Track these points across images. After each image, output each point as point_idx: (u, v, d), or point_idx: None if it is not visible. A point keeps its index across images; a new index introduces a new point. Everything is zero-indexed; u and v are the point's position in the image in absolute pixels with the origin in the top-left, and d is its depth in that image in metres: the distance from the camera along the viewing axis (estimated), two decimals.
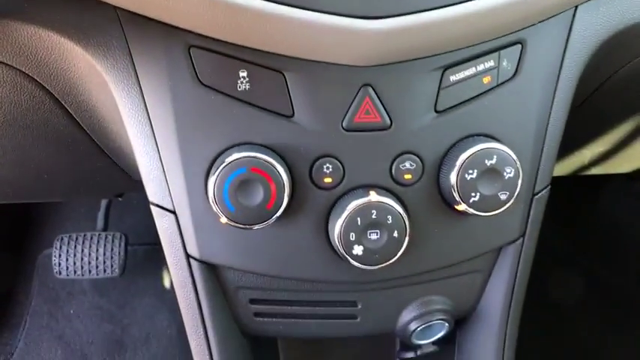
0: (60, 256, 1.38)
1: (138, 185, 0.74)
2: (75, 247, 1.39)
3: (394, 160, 0.54)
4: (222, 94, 0.52)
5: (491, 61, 0.54)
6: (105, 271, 1.37)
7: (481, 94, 0.54)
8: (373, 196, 0.53)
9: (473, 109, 0.54)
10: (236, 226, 0.51)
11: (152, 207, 0.57)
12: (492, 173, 0.53)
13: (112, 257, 1.37)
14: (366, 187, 0.54)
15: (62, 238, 1.40)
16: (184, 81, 0.52)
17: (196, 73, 0.51)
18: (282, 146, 0.52)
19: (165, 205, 0.56)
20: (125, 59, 0.52)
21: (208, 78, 0.51)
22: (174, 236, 0.57)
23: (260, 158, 0.50)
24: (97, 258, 1.37)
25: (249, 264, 0.56)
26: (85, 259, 1.37)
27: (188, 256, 0.57)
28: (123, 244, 1.39)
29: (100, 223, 1.46)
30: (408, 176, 0.54)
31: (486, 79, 0.54)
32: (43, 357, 1.43)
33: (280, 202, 0.51)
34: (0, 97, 0.61)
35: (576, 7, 0.55)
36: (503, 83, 0.55)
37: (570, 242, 1.56)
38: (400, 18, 0.48)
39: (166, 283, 1.55)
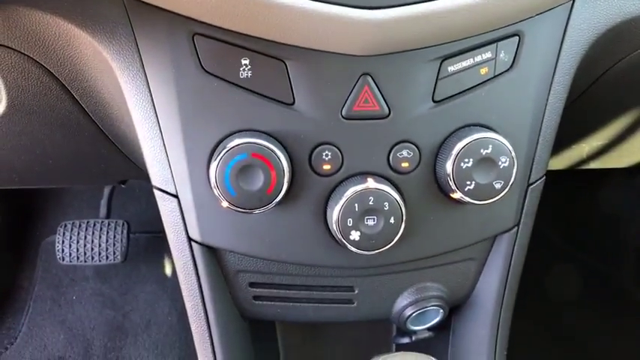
0: (63, 242, 1.40)
1: (141, 172, 0.75)
2: (78, 233, 1.40)
3: (392, 148, 0.55)
4: (225, 81, 0.53)
5: (489, 52, 0.55)
6: (107, 257, 1.39)
7: (478, 84, 0.55)
8: (371, 183, 0.54)
9: (470, 100, 0.55)
10: (237, 211, 0.53)
11: (155, 191, 0.59)
12: (487, 162, 0.54)
13: (114, 244, 1.39)
14: (364, 175, 0.55)
15: (65, 225, 1.41)
16: (188, 68, 0.53)
17: (200, 61, 0.53)
18: (283, 133, 0.54)
19: (168, 190, 0.57)
20: (130, 46, 0.54)
21: (211, 65, 0.53)
22: (177, 220, 0.58)
23: (261, 144, 0.51)
24: (99, 245, 1.39)
25: (249, 248, 0.58)
26: (88, 245, 1.39)
27: (190, 239, 0.59)
28: (125, 232, 1.41)
29: (102, 210, 1.48)
30: (405, 164, 0.55)
31: (484, 70, 0.55)
32: (45, 342, 1.45)
33: (280, 188, 0.52)
34: (8, 83, 0.62)
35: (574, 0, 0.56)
36: (500, 74, 0.56)
37: (568, 236, 1.57)
38: (399, 8, 0.49)
39: (167, 271, 1.57)
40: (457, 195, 0.55)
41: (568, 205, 1.54)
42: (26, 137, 0.75)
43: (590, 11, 0.57)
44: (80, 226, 1.41)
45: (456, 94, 0.55)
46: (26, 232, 1.59)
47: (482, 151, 0.54)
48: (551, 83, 0.58)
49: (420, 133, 0.55)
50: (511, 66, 0.56)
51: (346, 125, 0.54)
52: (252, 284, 0.62)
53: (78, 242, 1.39)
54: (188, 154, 0.55)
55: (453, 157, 0.54)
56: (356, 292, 0.63)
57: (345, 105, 0.53)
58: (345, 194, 0.54)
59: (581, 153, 1.04)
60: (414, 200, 0.56)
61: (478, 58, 0.55)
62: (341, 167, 0.55)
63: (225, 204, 0.53)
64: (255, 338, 0.68)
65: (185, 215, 0.57)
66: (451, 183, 0.54)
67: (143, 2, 0.51)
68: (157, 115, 0.55)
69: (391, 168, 0.56)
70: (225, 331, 0.63)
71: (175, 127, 0.55)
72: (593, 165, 1.09)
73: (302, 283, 0.62)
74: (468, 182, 0.54)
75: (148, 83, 0.54)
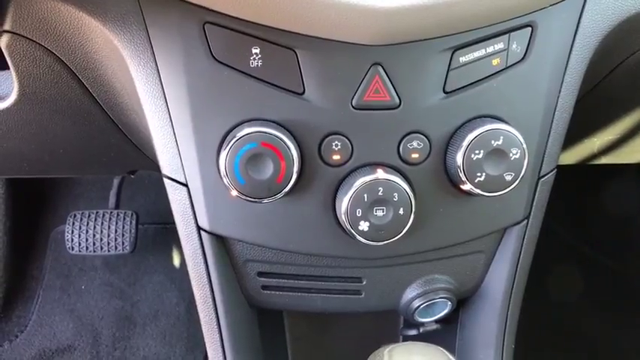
0: (73, 232, 1.41)
1: (150, 162, 0.75)
2: (87, 223, 1.42)
3: (402, 139, 0.55)
4: (235, 70, 0.53)
5: (501, 43, 0.54)
6: (116, 248, 1.40)
7: (490, 75, 0.55)
8: (380, 174, 0.54)
9: (481, 91, 0.55)
10: (246, 200, 0.53)
11: (165, 180, 0.59)
12: (498, 154, 0.54)
13: (123, 234, 1.40)
14: (374, 165, 0.55)
15: (75, 215, 1.43)
16: (199, 56, 0.53)
17: (210, 49, 0.52)
18: (293, 122, 0.54)
19: (177, 178, 0.57)
20: (141, 34, 0.54)
21: (222, 54, 0.53)
22: (186, 209, 0.58)
23: (270, 133, 0.51)
24: (108, 235, 1.40)
25: (257, 237, 0.58)
26: (97, 235, 1.40)
27: (199, 228, 0.59)
28: (134, 222, 1.42)
29: (112, 201, 1.49)
30: (415, 155, 0.55)
31: (495, 61, 0.55)
32: (55, 330, 1.47)
33: (289, 177, 0.52)
34: (19, 71, 0.63)
35: None
36: (512, 65, 0.55)
37: (577, 232, 1.56)
38: None
39: (176, 262, 1.58)
40: (467, 187, 0.54)
41: (578, 200, 1.53)
42: (37, 126, 0.75)
43: (604, 2, 0.56)
44: (90, 216, 1.42)
45: (467, 85, 0.55)
46: (37, 221, 1.61)
47: (493, 142, 0.53)
48: (564, 75, 0.58)
49: (430, 124, 0.55)
50: (523, 57, 0.55)
51: (356, 115, 0.54)
52: (260, 273, 0.62)
53: (87, 232, 1.40)
54: (198, 143, 0.55)
55: (463, 148, 0.54)
56: (364, 282, 0.63)
57: (356, 95, 0.53)
58: (355, 184, 0.54)
59: (592, 148, 1.03)
60: (424, 191, 0.56)
61: (490, 49, 0.54)
62: (350, 157, 0.55)
63: (234, 193, 0.53)
64: (263, 327, 0.68)
65: (194, 204, 0.58)
66: (461, 174, 0.54)
67: None
68: (167, 104, 0.55)
69: (401, 159, 0.55)
70: (233, 320, 0.63)
71: (185, 115, 0.55)
72: (605, 160, 1.08)
73: (310, 274, 0.62)
74: (479, 174, 0.54)
75: (158, 72, 0.55)
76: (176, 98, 0.55)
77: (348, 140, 0.54)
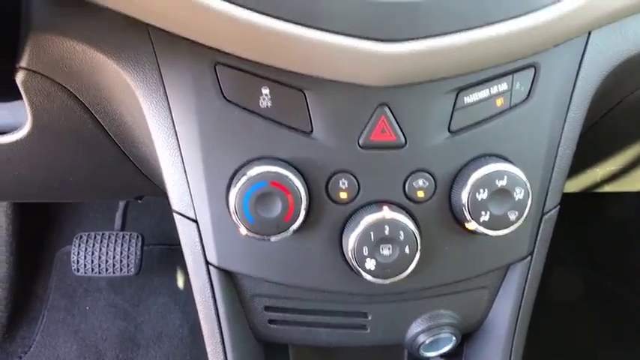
0: (78, 253, 1.42)
1: (158, 190, 0.77)
2: (93, 245, 1.43)
3: (408, 177, 0.56)
4: (245, 109, 0.54)
5: (505, 84, 0.56)
6: (121, 269, 1.41)
7: (494, 115, 0.56)
8: (386, 212, 0.55)
9: (485, 130, 0.56)
10: (255, 237, 0.54)
11: (175, 215, 0.60)
12: (502, 193, 0.54)
13: (128, 256, 1.41)
14: (380, 203, 0.56)
15: (81, 237, 1.44)
16: (210, 96, 0.54)
17: (221, 89, 0.54)
18: (301, 161, 0.55)
19: (187, 214, 0.58)
20: (154, 74, 0.55)
21: (232, 94, 0.54)
22: (195, 244, 0.59)
23: (279, 173, 0.52)
24: (114, 257, 1.41)
25: (265, 273, 0.59)
26: (103, 257, 1.41)
27: (207, 263, 0.60)
28: (139, 244, 1.43)
29: (117, 222, 1.50)
30: (420, 193, 0.56)
31: (499, 102, 0.56)
32: (58, 351, 1.47)
33: (297, 215, 0.53)
34: (33, 105, 0.64)
35: (589, 32, 0.57)
36: (515, 106, 0.56)
37: (581, 257, 1.56)
38: (416, 42, 0.50)
39: (180, 284, 1.58)
40: (472, 225, 0.55)
41: (581, 225, 1.53)
42: (48, 156, 0.77)
43: (605, 43, 0.58)
44: (95, 237, 1.44)
45: (471, 125, 0.56)
46: (42, 241, 1.62)
47: (497, 182, 0.54)
48: (567, 115, 0.59)
49: (436, 163, 0.56)
50: (527, 97, 0.56)
51: (363, 154, 0.55)
52: (267, 308, 0.63)
53: (93, 254, 1.41)
54: (208, 181, 0.56)
55: (468, 187, 0.54)
56: (369, 318, 0.63)
57: (363, 134, 0.54)
58: (361, 223, 0.54)
59: (594, 177, 1.04)
60: (429, 229, 0.57)
61: (494, 90, 0.55)
62: (357, 195, 0.56)
63: (243, 231, 0.54)
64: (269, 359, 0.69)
65: (203, 239, 0.59)
66: (466, 213, 0.55)
67: (167, 32, 0.52)
68: (178, 141, 0.57)
69: (407, 197, 0.56)
70: (240, 354, 0.63)
71: (196, 153, 0.56)
72: (607, 188, 1.09)
73: (316, 308, 0.62)
74: (483, 213, 0.55)
75: (170, 110, 0.56)
76: (187, 136, 0.56)
77: (355, 178, 0.55)
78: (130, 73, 0.56)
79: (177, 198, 0.58)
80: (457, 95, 0.55)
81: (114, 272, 1.41)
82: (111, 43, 0.55)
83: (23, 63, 0.59)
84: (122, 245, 1.42)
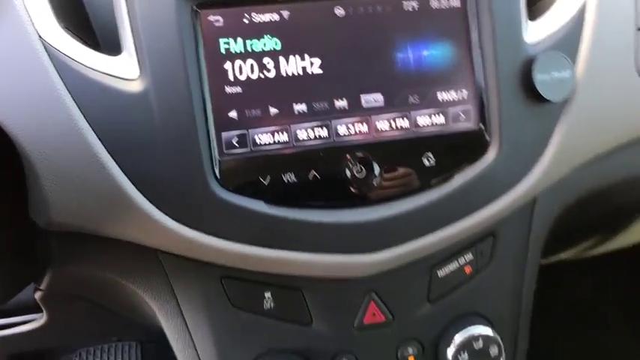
0: None
1: None
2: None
3: (398, 347, 0.64)
4: (252, 312, 0.62)
5: (470, 254, 0.65)
6: None
7: (464, 281, 0.65)
8: None
9: (459, 295, 0.65)
10: None
11: None
12: (480, 352, 0.64)
13: None
14: None
15: (80, 354, 1.46)
16: (219, 305, 0.62)
17: (229, 299, 0.61)
18: (305, 349, 0.63)
19: None
20: (167, 289, 0.62)
21: (239, 301, 0.62)
22: None
23: None
24: None
25: None
26: None
27: None
28: (139, 353, 1.46)
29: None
30: (411, 359, 0.65)
31: (468, 270, 0.65)
32: None
33: None
34: (50, 311, 0.70)
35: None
36: (481, 270, 0.66)
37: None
38: (396, 248, 0.59)
39: None
40: None
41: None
42: (54, 337, 0.82)
43: (550, 198, 0.68)
44: (95, 352, 1.46)
45: (446, 293, 0.65)
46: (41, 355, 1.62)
47: (474, 344, 0.63)
48: (526, 262, 0.69)
49: (421, 331, 0.65)
50: (490, 261, 0.66)
51: (359, 336, 0.63)
52: None
53: None
54: None
55: (451, 351, 0.64)
56: None
57: (356, 319, 0.63)
58: None
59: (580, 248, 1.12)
60: None
61: (462, 261, 0.65)
62: None
63: None
64: None
65: None
66: None
67: (177, 255, 0.60)
68: (193, 342, 0.64)
69: None
70: None
71: (212, 351, 0.63)
72: (596, 252, 1.16)
73: None
74: None
75: (184, 318, 0.63)
76: (202, 340, 0.63)
77: (354, 356, 0.64)
78: (144, 292, 0.63)
79: None
80: (431, 271, 0.64)
81: None
82: (126, 270, 0.62)
83: (42, 286, 0.65)
84: (123, 356, 1.45)
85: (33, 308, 0.78)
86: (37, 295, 0.68)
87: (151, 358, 1.62)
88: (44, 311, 0.75)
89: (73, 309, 0.75)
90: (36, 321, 0.78)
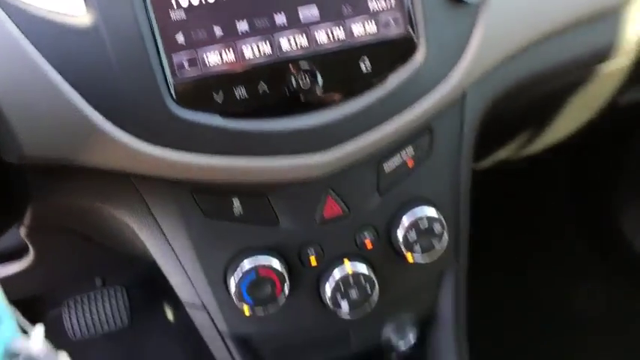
0: (70, 319, 1.51)
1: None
2: (82, 308, 1.52)
3: (356, 234, 0.74)
4: (224, 219, 0.69)
5: (411, 148, 0.74)
6: (115, 324, 1.53)
7: (409, 173, 0.74)
8: (347, 265, 0.73)
9: (404, 185, 0.74)
10: (256, 312, 0.71)
11: (186, 304, 0.75)
12: (427, 231, 0.74)
13: (118, 311, 1.53)
14: (341, 257, 0.74)
15: (69, 303, 1.53)
16: (193, 216, 0.69)
17: (201, 210, 0.69)
18: (275, 245, 0.71)
19: (197, 304, 0.74)
20: (143, 209, 0.69)
21: (211, 211, 0.69)
22: (208, 323, 0.75)
23: (263, 264, 0.69)
24: (105, 313, 1.52)
25: (269, 332, 0.76)
26: (95, 317, 1.52)
27: (221, 333, 0.76)
28: (125, 297, 1.54)
29: (97, 281, 1.60)
30: (369, 244, 0.74)
31: (410, 162, 0.74)
32: None
33: (284, 288, 0.70)
34: (36, 245, 0.76)
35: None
36: (422, 162, 0.75)
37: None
38: (343, 146, 0.66)
39: (170, 317, 1.72)
40: (410, 257, 0.74)
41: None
42: (41, 277, 0.88)
43: (478, 91, 0.76)
44: (82, 300, 1.53)
45: (394, 184, 0.74)
46: (30, 306, 1.68)
47: (420, 224, 0.73)
48: (461, 151, 0.78)
49: (374, 218, 0.74)
50: (429, 153, 0.75)
51: (321, 229, 0.72)
52: (273, 350, 0.81)
53: (85, 317, 1.51)
54: (208, 278, 0.72)
55: (400, 231, 0.73)
56: (351, 334, 0.83)
57: (317, 215, 0.71)
58: (331, 277, 0.73)
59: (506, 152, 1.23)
60: (382, 269, 0.75)
61: (404, 155, 0.73)
62: (324, 257, 0.73)
63: (247, 312, 0.70)
64: None
65: (214, 320, 0.75)
66: (403, 250, 0.74)
67: (148, 177, 0.66)
68: (176, 254, 0.71)
69: (359, 249, 0.74)
70: None
71: (193, 259, 0.71)
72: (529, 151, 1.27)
73: (311, 341, 0.81)
74: (416, 247, 0.74)
75: (163, 232, 0.70)
76: (182, 249, 0.71)
77: (320, 246, 0.73)
78: (123, 213, 0.69)
79: (186, 294, 0.74)
80: (379, 166, 0.72)
81: (109, 328, 1.52)
82: (102, 195, 0.68)
83: (25, 222, 0.71)
84: (110, 301, 1.53)
85: (20, 253, 0.83)
86: (22, 231, 0.73)
87: (137, 302, 1.70)
88: (31, 249, 0.80)
89: (58, 245, 0.81)
90: (24, 260, 0.83)
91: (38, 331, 0.49)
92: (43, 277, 0.88)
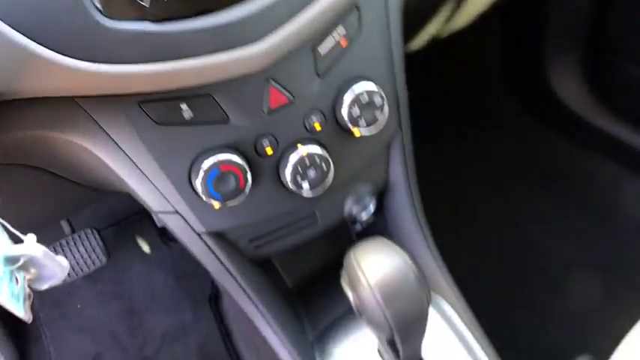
0: None
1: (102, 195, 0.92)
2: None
3: (305, 118, 0.78)
4: (176, 124, 0.72)
5: (342, 27, 0.77)
6: (94, 264, 1.57)
7: (343, 53, 0.78)
8: (302, 149, 0.78)
9: (341, 65, 0.78)
10: (226, 206, 0.76)
11: (159, 214, 0.80)
12: (369, 104, 0.79)
13: (94, 251, 1.56)
14: (295, 143, 0.79)
15: None
16: (145, 126, 0.71)
17: (152, 119, 0.71)
18: (232, 142, 0.75)
19: (168, 211, 0.79)
20: (95, 128, 0.71)
21: (162, 118, 0.72)
22: (184, 226, 0.80)
23: (223, 160, 0.73)
24: (81, 257, 1.56)
25: (242, 222, 0.82)
26: (72, 262, 1.55)
27: (198, 233, 0.82)
28: (98, 237, 1.57)
29: (65, 226, 1.61)
30: (318, 126, 0.79)
31: (343, 42, 0.78)
32: (77, 350, 1.66)
33: (247, 180, 0.75)
34: None
35: None
36: (354, 40, 0.78)
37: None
38: (275, 33, 0.69)
39: (145, 249, 1.77)
40: (357, 132, 0.80)
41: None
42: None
43: None
44: (55, 249, 1.55)
45: (331, 65, 0.78)
46: None
47: (361, 99, 0.78)
48: (389, 27, 0.82)
49: (319, 100, 0.78)
50: (360, 31, 0.78)
51: (270, 118, 0.76)
52: (250, 240, 0.88)
53: None
54: (174, 182, 0.76)
55: (344, 109, 0.78)
56: (317, 214, 0.90)
57: (264, 106, 0.75)
58: (289, 162, 0.78)
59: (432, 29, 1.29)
60: (333, 147, 0.81)
61: (336, 36, 0.77)
62: (278, 146, 0.78)
63: (216, 206, 0.75)
64: (266, 274, 0.96)
65: (188, 221, 0.80)
66: (350, 125, 0.79)
67: (93, 96, 0.67)
68: (137, 165, 0.74)
69: (310, 132, 0.79)
70: (243, 275, 0.89)
71: (155, 167, 0.75)
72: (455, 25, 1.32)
73: (282, 226, 0.88)
74: (360, 121, 0.79)
75: (119, 146, 0.73)
76: (141, 159, 0.74)
77: (273, 136, 0.77)
78: (73, 136, 0.71)
79: (156, 204, 0.78)
80: (314, 51, 0.76)
81: (89, 269, 1.57)
82: (52, 122, 0.69)
83: None
84: (84, 244, 1.56)
85: None
86: None
87: (110, 241, 1.74)
88: None
89: (22, 188, 0.82)
90: None
91: (31, 237, 0.52)
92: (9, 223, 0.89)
